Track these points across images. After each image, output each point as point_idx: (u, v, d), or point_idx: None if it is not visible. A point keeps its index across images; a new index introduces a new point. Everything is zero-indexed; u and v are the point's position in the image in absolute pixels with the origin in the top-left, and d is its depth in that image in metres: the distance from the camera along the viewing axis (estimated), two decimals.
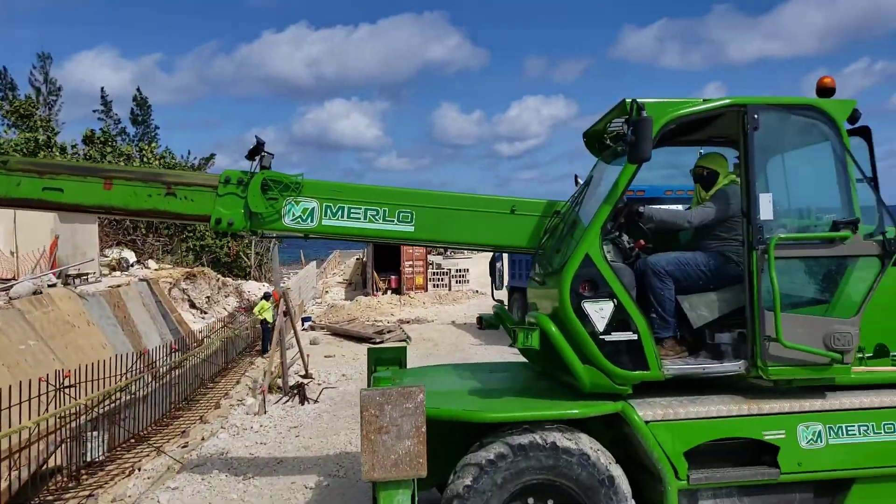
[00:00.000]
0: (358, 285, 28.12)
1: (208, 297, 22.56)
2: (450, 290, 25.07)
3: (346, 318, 19.65)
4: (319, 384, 11.43)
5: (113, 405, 8.19)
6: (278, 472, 7.11)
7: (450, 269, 25.98)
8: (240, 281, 25.97)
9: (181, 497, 6.40)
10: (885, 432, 4.35)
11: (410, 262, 24.12)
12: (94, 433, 7.67)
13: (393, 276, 24.79)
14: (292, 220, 4.98)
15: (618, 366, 4.13)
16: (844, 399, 4.35)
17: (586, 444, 4.12)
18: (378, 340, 15.20)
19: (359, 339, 15.82)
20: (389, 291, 24.43)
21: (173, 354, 10.96)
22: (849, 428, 4.33)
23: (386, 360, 5.91)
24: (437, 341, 15.44)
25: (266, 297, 15.96)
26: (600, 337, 4.13)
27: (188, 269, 21.92)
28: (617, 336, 4.14)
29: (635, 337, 4.14)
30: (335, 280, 31.84)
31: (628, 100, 4.14)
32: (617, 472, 4.10)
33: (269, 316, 14.71)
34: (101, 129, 26.13)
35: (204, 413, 10.40)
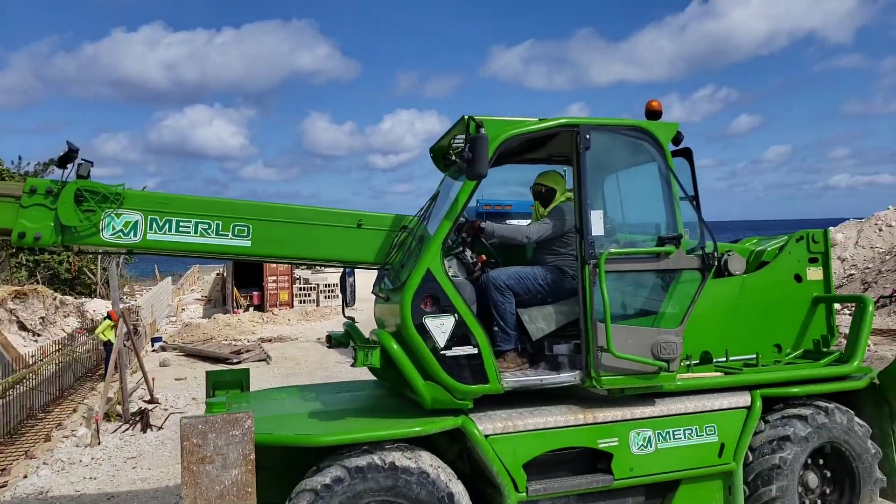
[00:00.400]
0: (218, 302, 26.63)
1: (43, 318, 20.35)
2: (318, 305, 24.35)
3: (203, 337, 18.48)
4: (166, 409, 10.58)
5: None
6: None
7: (318, 284, 25.22)
8: (84, 299, 23.67)
9: None
10: (707, 434, 4.67)
11: (274, 278, 23.18)
12: None
13: (255, 293, 23.67)
14: (112, 235, 4.49)
15: (458, 380, 4.10)
16: (672, 405, 4.61)
17: (426, 462, 4.03)
18: (235, 361, 14.40)
19: (214, 359, 14.89)
20: (251, 308, 23.31)
21: None
22: (675, 432, 4.59)
23: (226, 383, 5.50)
24: (299, 360, 14.87)
25: (108, 316, 14.63)
26: (441, 352, 4.08)
27: (17, 288, 19.66)
28: (457, 351, 4.11)
29: (475, 351, 4.14)
30: (193, 297, 29.96)
31: (467, 117, 4.16)
32: (457, 488, 4.05)
33: (112, 337, 13.48)
34: None
35: (30, 448, 9.26)
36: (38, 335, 19.37)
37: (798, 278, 5.44)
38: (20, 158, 23.88)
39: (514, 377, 4.35)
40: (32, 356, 14.38)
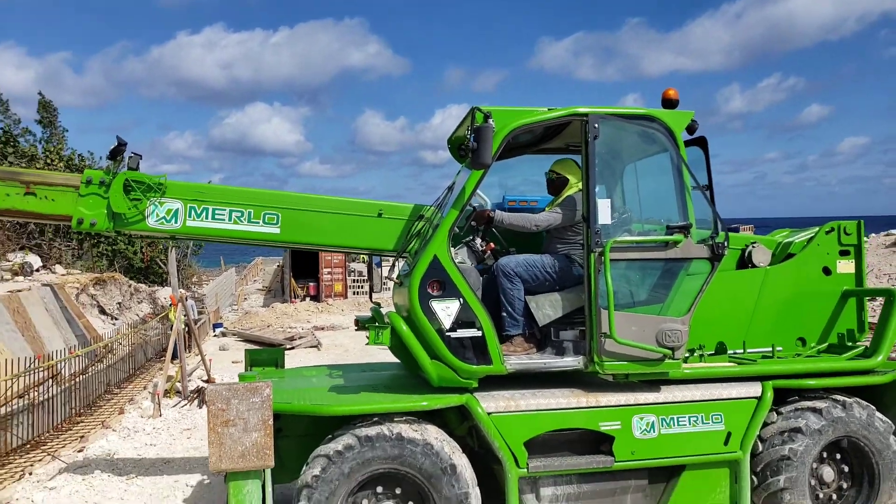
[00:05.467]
0: (277, 292, 27.70)
1: (119, 303, 21.76)
2: (370, 297, 24.95)
3: (260, 325, 19.35)
4: None
5: (5, 409, 7.91)
6: (164, 472, 7.02)
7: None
8: (155, 287, 25.14)
9: (57, 497, 6.26)
10: (713, 422, 4.73)
11: (329, 269, 23.95)
12: None
13: (311, 283, 24.52)
14: (156, 221, 4.96)
15: (463, 361, 4.33)
16: (677, 392, 4.69)
17: (432, 434, 4.29)
18: (288, 347, 15.07)
19: (269, 345, 15.62)
20: (308, 298, 24.18)
21: (73, 359, 10.59)
22: (680, 419, 4.67)
23: (262, 361, 5.93)
24: (347, 347, 15.41)
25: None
26: (446, 334, 4.32)
27: (97, 275, 21.08)
28: (462, 333, 4.34)
29: (479, 334, 4.36)
30: (255, 287, 31.22)
31: (473, 108, 4.37)
32: (460, 461, 4.29)
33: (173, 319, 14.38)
34: (0, 128, 24.77)
35: (106, 418, 10.11)
36: (116, 319, 20.76)
37: (827, 271, 5.37)
38: (91, 154, 25.47)
39: (519, 359, 4.54)
40: (110, 338, 15.53)
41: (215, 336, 17.97)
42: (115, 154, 4.91)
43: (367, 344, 4.51)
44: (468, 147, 4.23)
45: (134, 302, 22.92)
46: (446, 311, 4.33)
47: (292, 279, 24.66)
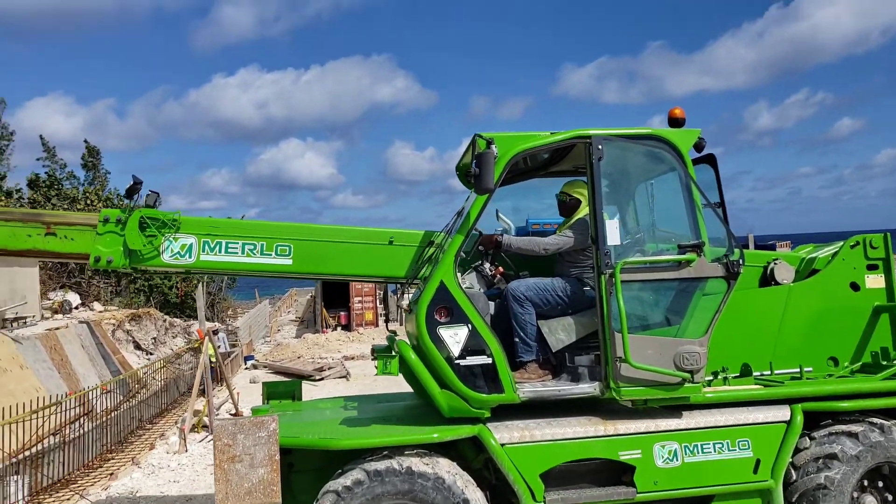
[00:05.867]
0: (310, 323, 27.90)
1: (154, 338, 22.17)
2: (401, 325, 25.00)
3: (292, 356, 19.45)
4: None
5: (37, 448, 8.04)
6: None
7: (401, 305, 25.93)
8: (190, 321, 25.57)
9: None
10: (740, 449, 4.51)
11: (360, 298, 24.05)
12: (15, 477, 7.49)
13: (342, 313, 24.64)
14: (171, 257, 5.02)
15: (473, 389, 4.23)
16: (700, 418, 4.50)
17: (444, 468, 4.17)
18: (318, 378, 15.08)
19: (299, 376, 15.65)
20: (339, 328, 24.28)
21: (104, 396, 10.76)
22: (704, 446, 4.47)
23: (279, 394, 5.89)
24: (378, 378, 15.35)
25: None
26: (456, 362, 4.23)
27: (133, 311, 21.54)
28: (472, 360, 4.24)
29: (490, 361, 4.26)
30: (288, 318, 31.51)
31: (475, 135, 4.33)
32: (473, 495, 4.16)
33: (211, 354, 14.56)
34: (45, 172, 25.83)
35: (137, 454, 10.20)
36: (151, 354, 21.13)
37: (855, 286, 5.15)
38: (158, 195, 26.30)
39: (532, 387, 4.42)
40: (144, 373, 15.79)
41: (247, 369, 18.10)
42: (132, 193, 5.00)
43: (376, 374, 4.44)
44: (471, 173, 4.19)
45: (169, 336, 23.33)
46: (455, 337, 4.25)
47: (324, 309, 24.83)
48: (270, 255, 5.07)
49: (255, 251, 5.06)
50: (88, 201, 23.62)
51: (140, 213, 5.02)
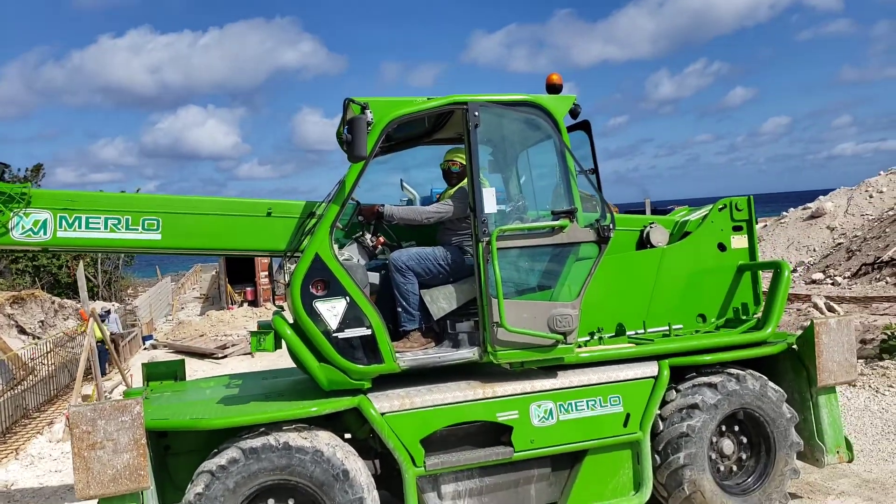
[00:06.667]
0: (215, 299, 26.95)
1: (42, 322, 20.76)
2: (273, 301, 24.55)
3: (194, 334, 18.77)
4: None
5: None
6: (65, 499, 6.69)
7: None
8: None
9: None
10: (611, 405, 4.73)
11: (266, 273, 23.44)
12: None
13: (249, 288, 23.96)
14: (22, 234, 4.63)
15: (352, 361, 4.20)
16: (574, 377, 4.68)
17: (323, 441, 4.14)
18: (220, 356, 14.64)
19: (201, 355, 15.16)
20: (245, 304, 23.61)
21: None
22: (578, 404, 4.66)
23: (159, 374, 5.64)
24: (283, 353, 15.05)
25: (102, 318, 14.90)
26: (333, 335, 4.18)
27: (14, 293, 20.03)
28: (350, 333, 4.20)
29: (369, 332, 4.23)
30: (192, 295, 30.31)
31: (347, 99, 4.22)
32: (354, 465, 4.16)
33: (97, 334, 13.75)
34: None
35: (21, 445, 9.54)
36: (38, 338, 19.78)
37: (722, 247, 5.45)
38: (8, 165, 24.40)
39: (413, 356, 4.44)
40: (32, 359, 14.74)
41: (145, 349, 17.32)
42: None
43: (251, 351, 4.32)
44: (344, 140, 4.08)
45: (59, 319, 21.88)
46: (332, 311, 4.18)
47: (228, 285, 24.02)
48: (137, 229, 4.78)
49: (119, 226, 4.75)
50: None
51: None
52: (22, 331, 19.54)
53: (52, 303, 21.79)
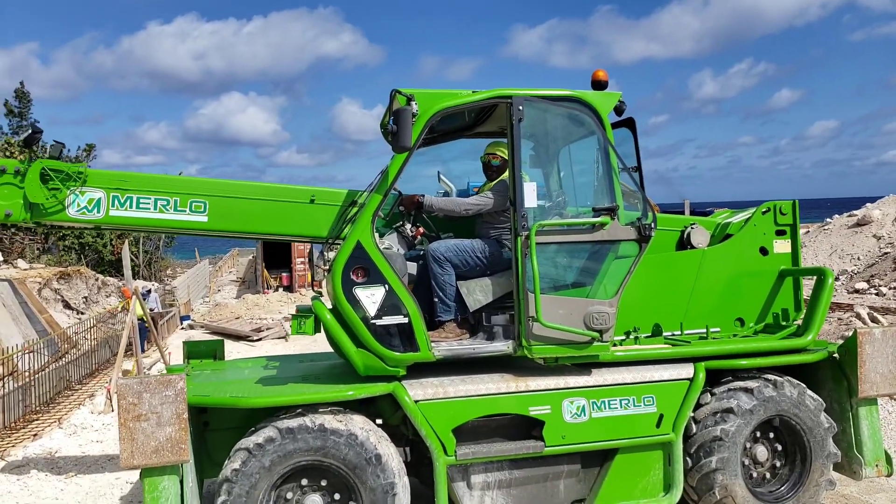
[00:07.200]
0: (251, 283, 27.46)
1: (86, 298, 21.45)
2: (312, 287, 24.87)
3: (230, 316, 19.17)
4: None
5: None
6: (106, 469, 6.90)
7: None
8: (126, 280, 24.83)
9: None
10: (645, 405, 4.71)
11: (302, 259, 23.77)
12: None
13: (284, 274, 24.36)
14: (77, 211, 4.82)
15: (389, 348, 4.26)
16: (608, 375, 4.67)
17: (357, 424, 4.22)
18: (255, 338, 14.93)
19: (236, 337, 15.48)
20: (280, 289, 24.00)
21: (29, 356, 10.38)
22: (611, 402, 4.65)
23: (199, 353, 5.81)
24: (317, 337, 15.30)
25: (143, 296, 15.34)
26: (371, 321, 4.24)
27: (61, 269, 20.72)
28: (388, 320, 4.26)
29: (406, 320, 4.28)
30: (229, 278, 30.91)
31: (394, 90, 4.27)
32: (386, 450, 4.22)
33: (139, 312, 14.16)
34: None
35: (64, 415, 9.93)
36: (82, 314, 20.45)
37: (764, 251, 5.37)
38: (64, 145, 25.19)
39: (448, 346, 4.48)
40: (75, 333, 15.27)
41: (183, 329, 17.76)
42: (30, 143, 4.76)
43: (291, 334, 4.42)
44: (389, 131, 4.14)
45: (102, 296, 22.59)
46: (371, 297, 4.25)
47: (265, 270, 24.46)
48: (185, 211, 4.94)
49: (168, 207, 4.91)
50: (9, 153, 22.36)
51: (41, 164, 4.79)
52: (67, 305, 20.23)
53: (96, 279, 22.50)
